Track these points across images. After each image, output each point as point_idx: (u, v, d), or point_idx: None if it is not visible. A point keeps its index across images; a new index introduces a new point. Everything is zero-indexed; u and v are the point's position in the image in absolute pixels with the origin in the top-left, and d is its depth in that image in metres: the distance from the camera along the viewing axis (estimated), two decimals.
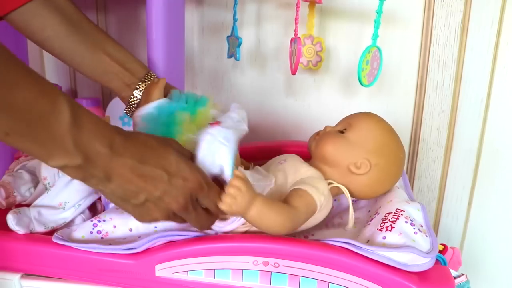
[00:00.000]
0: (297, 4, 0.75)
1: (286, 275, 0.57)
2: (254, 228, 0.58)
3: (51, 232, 0.63)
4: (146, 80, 0.66)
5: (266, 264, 0.57)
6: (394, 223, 0.58)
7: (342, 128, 0.66)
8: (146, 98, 0.63)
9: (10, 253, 0.61)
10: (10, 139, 0.41)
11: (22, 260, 0.61)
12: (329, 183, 0.62)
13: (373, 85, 0.76)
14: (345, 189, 0.63)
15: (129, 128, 0.81)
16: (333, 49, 0.91)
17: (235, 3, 0.83)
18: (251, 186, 0.54)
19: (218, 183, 0.54)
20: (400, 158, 0.66)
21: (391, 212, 0.60)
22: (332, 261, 0.55)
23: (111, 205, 0.65)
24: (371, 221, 0.63)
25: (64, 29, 0.62)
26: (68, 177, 0.66)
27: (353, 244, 0.55)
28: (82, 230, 0.62)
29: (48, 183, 0.67)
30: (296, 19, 0.76)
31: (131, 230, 0.63)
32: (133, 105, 0.66)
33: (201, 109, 0.60)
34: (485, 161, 0.93)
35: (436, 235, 0.61)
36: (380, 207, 0.64)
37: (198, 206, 0.52)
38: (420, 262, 0.55)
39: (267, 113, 0.99)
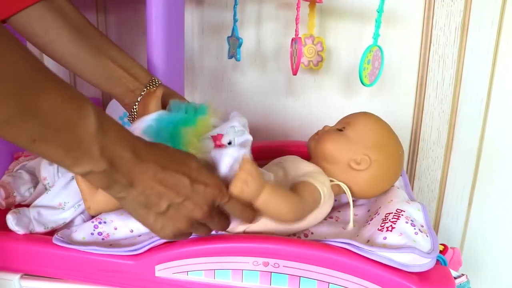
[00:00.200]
0: (297, 4, 0.75)
1: (286, 275, 0.57)
2: (252, 228, 0.58)
3: (51, 232, 0.63)
4: (151, 86, 0.64)
5: (266, 264, 0.57)
6: (395, 224, 0.58)
7: (341, 127, 0.66)
8: (143, 109, 0.62)
9: (10, 253, 0.61)
10: (37, 146, 0.40)
11: (21, 260, 0.61)
12: (330, 180, 0.63)
13: (373, 85, 0.76)
14: (346, 187, 0.63)
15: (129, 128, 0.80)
16: (334, 49, 0.91)
17: (235, 3, 0.83)
18: (260, 173, 0.53)
19: None
20: (399, 155, 0.67)
21: (392, 212, 0.60)
22: (332, 261, 0.55)
23: None
24: (371, 220, 0.63)
25: (67, 33, 0.61)
26: (67, 178, 0.66)
27: (354, 245, 0.55)
28: (83, 231, 0.62)
29: (48, 183, 0.67)
30: (296, 19, 0.76)
31: (132, 231, 0.63)
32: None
33: (201, 118, 0.59)
34: (485, 161, 0.93)
35: (436, 235, 0.60)
36: (380, 207, 0.64)
37: (219, 211, 0.52)
38: (421, 262, 0.55)
39: (268, 113, 0.99)
